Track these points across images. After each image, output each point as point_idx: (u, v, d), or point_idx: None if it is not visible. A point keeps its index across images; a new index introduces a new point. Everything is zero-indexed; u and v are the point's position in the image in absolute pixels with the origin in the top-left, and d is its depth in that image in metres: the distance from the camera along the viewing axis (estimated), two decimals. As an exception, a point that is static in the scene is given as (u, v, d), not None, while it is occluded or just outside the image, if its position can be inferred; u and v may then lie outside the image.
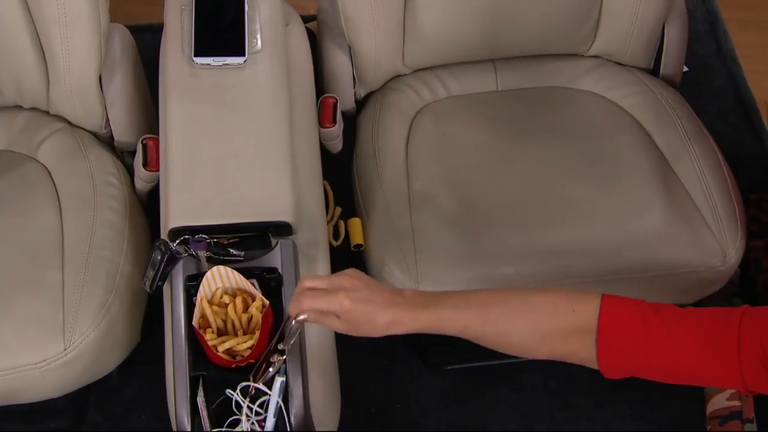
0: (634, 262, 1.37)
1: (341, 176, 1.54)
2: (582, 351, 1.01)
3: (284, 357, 1.09)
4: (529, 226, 1.40)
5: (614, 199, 1.42)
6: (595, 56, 1.62)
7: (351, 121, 1.59)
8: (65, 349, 1.27)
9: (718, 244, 1.38)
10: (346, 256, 1.39)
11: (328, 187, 1.46)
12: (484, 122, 1.53)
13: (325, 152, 1.48)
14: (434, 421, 1.60)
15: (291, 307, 1.05)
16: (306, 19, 1.58)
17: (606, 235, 1.39)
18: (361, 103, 1.61)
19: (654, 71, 1.62)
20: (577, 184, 1.44)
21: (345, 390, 1.40)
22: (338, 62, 1.54)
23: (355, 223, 1.43)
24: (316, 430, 1.22)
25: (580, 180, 1.44)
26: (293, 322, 1.05)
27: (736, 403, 1.45)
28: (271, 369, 1.09)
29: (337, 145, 1.51)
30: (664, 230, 1.39)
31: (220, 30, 1.31)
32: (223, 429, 1.13)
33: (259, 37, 1.32)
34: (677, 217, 1.40)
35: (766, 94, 2.11)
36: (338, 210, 1.48)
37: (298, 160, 1.27)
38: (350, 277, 1.04)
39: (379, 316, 1.02)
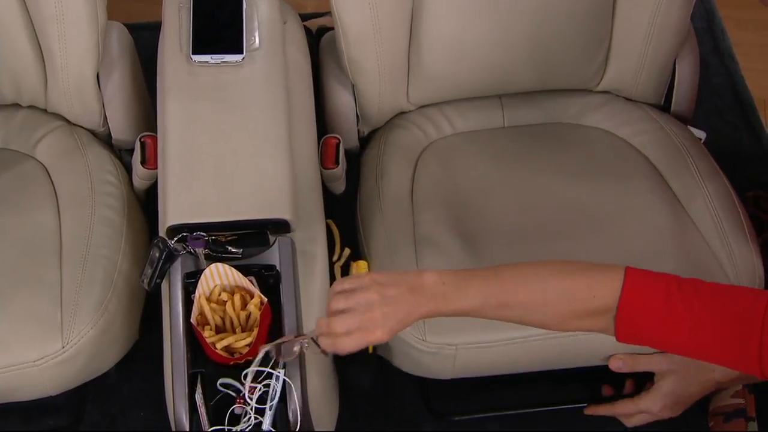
0: None
1: (347, 215, 1.49)
2: (598, 327, 1.03)
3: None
4: None
5: (625, 243, 1.37)
6: (605, 92, 1.57)
7: (355, 159, 1.55)
8: (63, 347, 1.26)
9: None
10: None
11: (334, 227, 1.43)
12: (491, 160, 1.49)
13: (329, 191, 1.46)
14: (432, 419, 1.60)
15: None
16: (304, 18, 1.58)
17: None
18: (365, 140, 1.58)
19: (665, 107, 1.57)
20: (586, 227, 1.40)
21: (343, 388, 1.40)
22: (341, 101, 1.51)
23: (362, 266, 1.35)
24: (314, 427, 1.22)
25: (590, 222, 1.40)
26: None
27: (741, 400, 1.45)
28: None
29: (339, 186, 1.48)
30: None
31: (218, 28, 1.31)
32: (223, 427, 1.13)
33: (257, 34, 1.32)
34: (691, 263, 1.35)
35: (764, 92, 2.11)
36: (347, 251, 1.43)
37: (296, 158, 1.27)
38: (377, 306, 1.03)
39: (408, 323, 1.04)
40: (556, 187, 1.45)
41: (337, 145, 1.42)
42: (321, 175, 1.41)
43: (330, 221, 1.40)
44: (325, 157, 1.42)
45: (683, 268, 1.34)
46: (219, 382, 1.14)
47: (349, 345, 1.03)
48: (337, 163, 1.41)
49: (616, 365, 1.35)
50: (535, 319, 1.06)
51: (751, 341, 0.95)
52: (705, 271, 1.35)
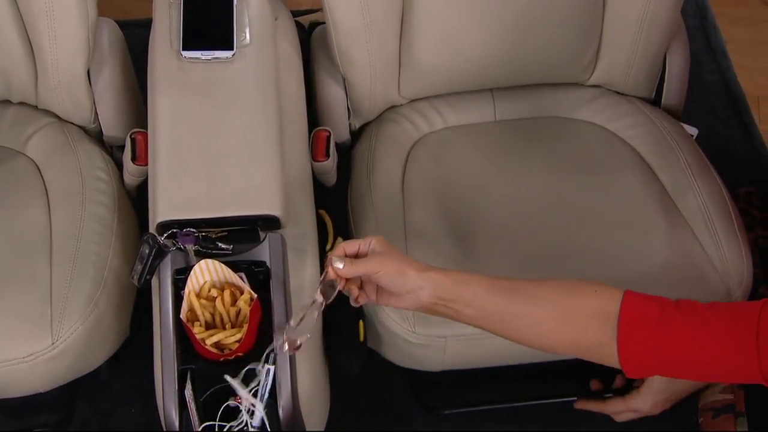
0: None
1: (339, 208, 1.50)
2: (603, 339, 1.01)
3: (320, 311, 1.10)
4: (527, 264, 1.35)
5: (615, 237, 1.38)
6: (596, 86, 1.57)
7: (346, 153, 1.55)
8: (53, 343, 1.26)
9: (723, 284, 1.34)
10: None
11: (327, 217, 1.43)
12: (482, 154, 1.50)
13: (321, 184, 1.46)
14: (422, 413, 1.59)
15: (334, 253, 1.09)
16: (298, 14, 1.58)
17: (606, 273, 1.34)
18: (357, 135, 1.58)
19: (655, 101, 1.58)
20: (576, 221, 1.40)
21: (334, 384, 1.40)
22: (332, 94, 1.51)
23: None
24: (305, 423, 1.22)
25: (580, 216, 1.41)
26: (329, 271, 1.07)
27: (730, 396, 1.45)
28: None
29: (331, 178, 1.48)
30: (666, 269, 1.34)
31: (209, 24, 1.31)
32: (214, 423, 1.12)
33: (247, 31, 1.31)
34: (680, 256, 1.36)
35: (757, 89, 2.12)
36: (339, 240, 1.43)
37: (287, 154, 1.27)
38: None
39: (411, 263, 1.06)
40: (546, 181, 1.46)
41: (328, 138, 1.42)
42: (312, 168, 1.41)
43: (322, 211, 1.41)
44: (316, 149, 1.41)
45: (672, 261, 1.35)
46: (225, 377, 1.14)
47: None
48: (327, 155, 1.41)
49: None
50: (543, 315, 1.04)
51: (749, 350, 0.95)
52: (694, 265, 1.36)
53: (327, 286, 1.09)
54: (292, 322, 1.09)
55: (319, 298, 1.09)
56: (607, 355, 1.02)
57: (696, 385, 1.35)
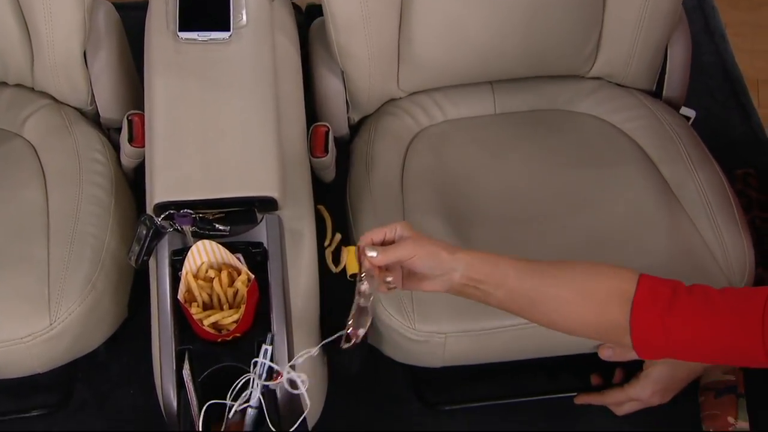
0: None
1: (338, 204, 1.48)
2: (620, 320, 1.02)
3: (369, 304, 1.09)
4: (528, 257, 1.34)
5: (615, 229, 1.37)
6: (596, 78, 1.56)
7: (345, 147, 1.54)
8: (51, 324, 1.26)
9: (725, 278, 1.33)
10: (345, 283, 1.23)
11: (326, 213, 1.42)
12: (482, 147, 1.49)
13: (319, 180, 1.45)
14: (423, 409, 1.59)
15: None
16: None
17: None
18: (355, 129, 1.56)
19: (657, 93, 1.57)
20: (577, 214, 1.39)
21: (334, 382, 1.40)
22: (331, 87, 1.49)
23: (351, 251, 1.24)
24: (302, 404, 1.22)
25: (581, 209, 1.40)
26: (365, 262, 1.07)
27: (732, 377, 1.46)
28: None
29: (329, 174, 1.47)
30: (667, 262, 1.34)
31: (205, 5, 1.30)
32: (219, 401, 1.13)
33: (244, 12, 1.31)
34: (682, 249, 1.35)
35: (756, 71, 2.11)
36: (338, 236, 1.41)
37: (284, 137, 1.27)
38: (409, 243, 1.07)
39: (442, 245, 1.06)
40: (546, 174, 1.45)
41: (326, 133, 1.41)
42: (310, 162, 1.40)
43: (321, 207, 1.40)
44: (314, 145, 1.40)
45: (674, 255, 1.34)
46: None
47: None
48: (326, 151, 1.40)
49: (605, 354, 1.34)
50: (566, 295, 1.05)
51: (753, 331, 0.96)
52: (695, 257, 1.35)
53: (368, 277, 1.07)
54: (350, 321, 1.08)
55: (367, 288, 1.07)
56: (623, 336, 1.03)
57: (695, 373, 1.36)
